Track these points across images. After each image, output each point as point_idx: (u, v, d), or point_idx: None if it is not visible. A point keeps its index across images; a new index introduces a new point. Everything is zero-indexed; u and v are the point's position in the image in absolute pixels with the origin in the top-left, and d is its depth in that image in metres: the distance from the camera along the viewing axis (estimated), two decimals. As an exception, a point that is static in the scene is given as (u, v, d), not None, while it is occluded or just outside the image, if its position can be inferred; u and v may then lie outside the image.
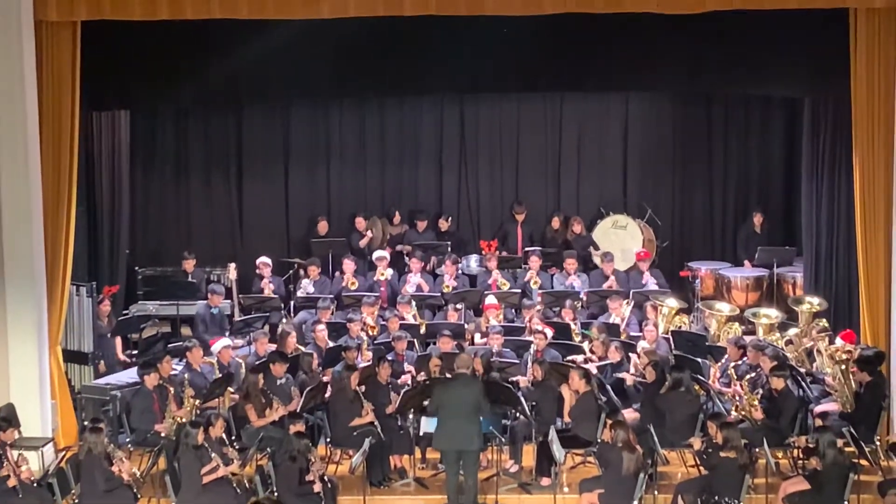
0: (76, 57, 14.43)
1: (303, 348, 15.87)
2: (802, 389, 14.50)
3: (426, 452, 14.26)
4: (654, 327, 16.15)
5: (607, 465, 12.78)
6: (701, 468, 13.07)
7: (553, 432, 13.22)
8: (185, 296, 17.70)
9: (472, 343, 16.38)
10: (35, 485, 12.68)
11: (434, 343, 16.04)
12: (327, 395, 14.41)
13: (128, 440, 13.96)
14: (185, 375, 14.56)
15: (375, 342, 16.30)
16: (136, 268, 19.13)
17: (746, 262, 19.15)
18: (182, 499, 12.56)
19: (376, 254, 18.72)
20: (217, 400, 14.51)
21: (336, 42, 15.59)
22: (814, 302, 16.57)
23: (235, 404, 14.32)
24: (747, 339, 15.81)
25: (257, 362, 15.18)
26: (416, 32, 15.34)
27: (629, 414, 14.06)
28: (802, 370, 15.09)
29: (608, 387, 14.61)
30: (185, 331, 17.50)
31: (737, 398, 14.38)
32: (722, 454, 12.50)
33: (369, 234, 19.49)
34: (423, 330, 16.65)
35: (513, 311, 17.67)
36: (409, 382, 14.92)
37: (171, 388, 14.10)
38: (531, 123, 20.67)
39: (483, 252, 18.99)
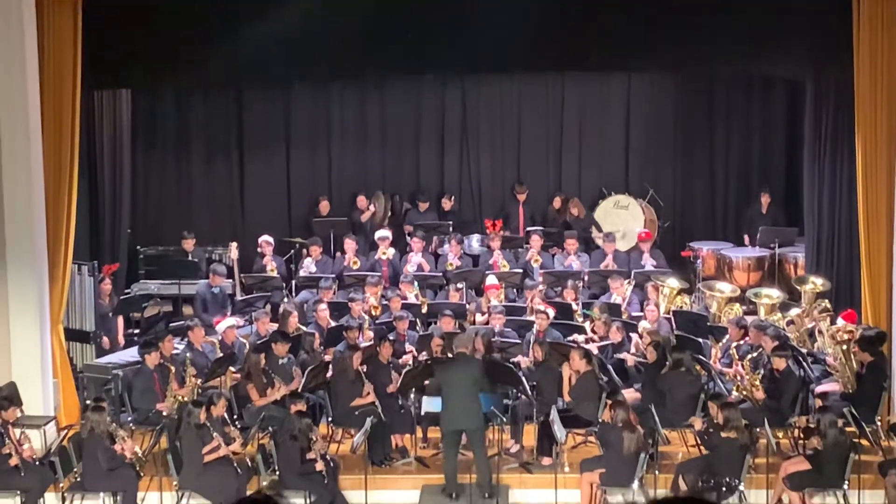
0: (77, 36, 14.39)
1: (304, 328, 15.88)
2: (804, 370, 14.50)
3: (427, 432, 14.29)
4: (656, 307, 16.15)
5: (608, 445, 12.81)
6: (702, 448, 13.09)
7: (554, 412, 13.24)
8: (187, 275, 17.68)
9: (474, 323, 16.38)
10: (37, 463, 12.74)
11: (435, 323, 16.04)
12: (329, 374, 14.42)
13: (130, 419, 14.00)
14: (187, 355, 14.57)
15: (377, 322, 16.31)
16: (138, 247, 19.14)
17: (746, 238, 19.14)
18: (183, 477, 12.60)
19: (378, 233, 18.70)
20: (219, 379, 14.53)
21: (337, 22, 15.56)
22: (818, 282, 16.55)
23: (237, 384, 14.35)
24: (749, 319, 15.82)
25: (259, 342, 15.19)
26: (416, 13, 15.32)
27: (630, 394, 14.07)
28: (804, 350, 15.10)
29: (609, 367, 14.63)
30: (187, 310, 17.50)
31: (738, 378, 14.40)
32: (723, 434, 12.52)
33: (371, 208, 19.47)
34: (424, 310, 16.65)
35: (514, 291, 17.68)
36: (411, 362, 14.93)
37: (173, 368, 14.11)
38: (533, 103, 20.65)
39: (487, 231, 18.96)
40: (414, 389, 14.01)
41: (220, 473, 12.49)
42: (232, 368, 14.73)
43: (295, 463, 12.60)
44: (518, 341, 15.43)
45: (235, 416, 13.75)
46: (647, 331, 15.23)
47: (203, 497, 12.59)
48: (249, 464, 12.93)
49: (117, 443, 12.68)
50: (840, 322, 15.18)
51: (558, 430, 12.98)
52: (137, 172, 19.72)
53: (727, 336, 15.21)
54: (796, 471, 12.67)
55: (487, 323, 16.05)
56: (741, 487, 12.47)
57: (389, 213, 19.87)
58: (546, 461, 13.69)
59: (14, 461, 12.43)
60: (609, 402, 12.99)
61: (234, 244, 18.29)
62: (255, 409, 13.93)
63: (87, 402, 13.71)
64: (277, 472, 12.75)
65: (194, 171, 20.41)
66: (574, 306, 16.56)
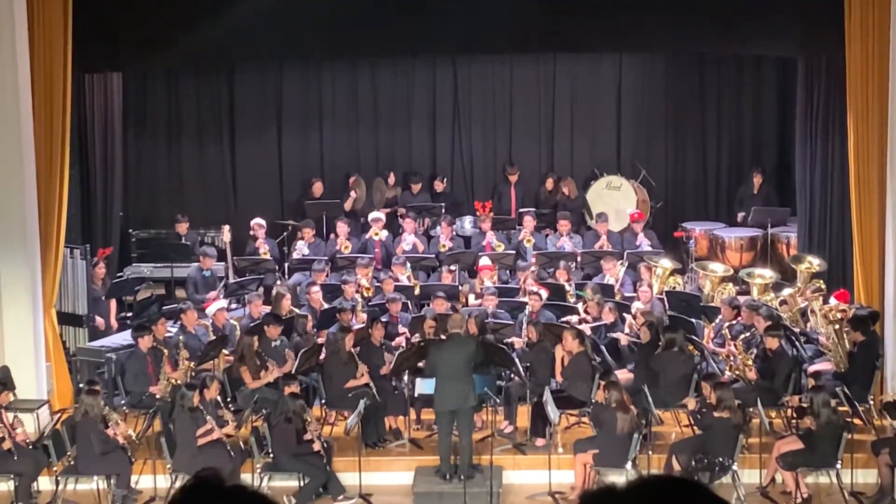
0: (67, 19, 14.32)
1: (297, 310, 15.87)
2: (796, 349, 14.52)
3: (421, 413, 14.30)
4: (649, 288, 16.16)
5: (601, 426, 12.82)
6: (695, 428, 13.12)
7: (548, 393, 13.24)
8: (180, 258, 17.65)
9: (467, 304, 16.39)
10: (31, 447, 12.72)
11: (428, 304, 16.05)
12: (322, 356, 14.41)
13: (123, 402, 13.99)
14: (180, 337, 14.56)
15: (370, 304, 16.30)
16: (130, 230, 19.09)
17: (739, 218, 19.13)
18: (177, 460, 12.60)
19: (371, 215, 18.67)
20: (212, 362, 14.52)
21: (328, 2, 15.52)
22: (814, 262, 16.56)
23: (230, 366, 14.34)
24: (741, 299, 15.83)
25: (252, 324, 15.18)
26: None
27: (623, 374, 14.08)
28: (796, 330, 15.12)
29: (602, 347, 14.64)
30: (180, 293, 17.48)
31: (731, 358, 14.42)
32: (716, 414, 12.54)
33: (353, 194, 19.40)
34: (417, 291, 16.65)
35: (507, 272, 17.67)
36: (404, 344, 14.94)
37: (166, 351, 14.10)
38: (524, 84, 20.59)
39: (477, 213, 18.94)
40: (407, 371, 14.01)
41: (213, 456, 12.47)
42: (225, 351, 14.72)
43: (289, 445, 12.61)
44: (511, 322, 15.44)
45: (229, 399, 13.73)
46: (641, 311, 15.24)
47: (197, 480, 12.56)
48: (243, 446, 12.94)
49: (111, 426, 12.67)
50: (832, 301, 15.20)
51: (552, 410, 13.00)
52: (129, 155, 19.63)
53: (720, 316, 15.23)
54: (789, 450, 12.70)
55: (480, 304, 16.05)
56: (734, 467, 12.50)
57: (379, 196, 19.77)
58: (539, 442, 13.70)
59: (7, 445, 12.42)
60: (602, 382, 12.99)
61: (227, 227, 18.25)
62: (249, 391, 13.93)
63: (81, 385, 13.72)
64: (271, 455, 12.76)
65: (186, 154, 20.34)
66: (567, 287, 16.56)
